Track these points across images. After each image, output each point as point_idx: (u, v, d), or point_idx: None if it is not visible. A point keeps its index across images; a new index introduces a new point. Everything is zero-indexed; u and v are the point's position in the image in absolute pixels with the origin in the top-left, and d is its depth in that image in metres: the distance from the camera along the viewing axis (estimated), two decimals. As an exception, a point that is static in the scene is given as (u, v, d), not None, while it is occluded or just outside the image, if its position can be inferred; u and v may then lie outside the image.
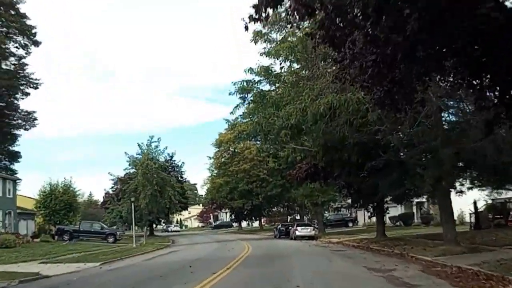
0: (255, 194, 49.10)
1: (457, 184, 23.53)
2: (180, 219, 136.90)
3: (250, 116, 24.15)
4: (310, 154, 26.35)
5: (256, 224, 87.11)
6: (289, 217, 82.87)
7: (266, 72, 23.58)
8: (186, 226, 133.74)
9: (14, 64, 53.39)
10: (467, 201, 32.81)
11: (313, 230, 45.65)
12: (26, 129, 57.47)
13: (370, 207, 35.41)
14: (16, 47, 52.81)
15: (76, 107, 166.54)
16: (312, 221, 59.11)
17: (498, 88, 9.92)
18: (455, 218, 26.32)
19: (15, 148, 68.93)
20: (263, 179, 47.32)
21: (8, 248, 34.86)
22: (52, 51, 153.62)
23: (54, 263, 25.30)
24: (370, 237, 36.86)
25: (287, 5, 9.12)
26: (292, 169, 32.95)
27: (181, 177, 78.95)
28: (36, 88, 53.45)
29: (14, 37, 52.53)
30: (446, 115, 21.47)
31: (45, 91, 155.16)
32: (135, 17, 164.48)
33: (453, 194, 22.90)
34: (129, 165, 42.64)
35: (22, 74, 52.16)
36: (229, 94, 24.11)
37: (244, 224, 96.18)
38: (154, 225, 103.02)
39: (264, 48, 23.97)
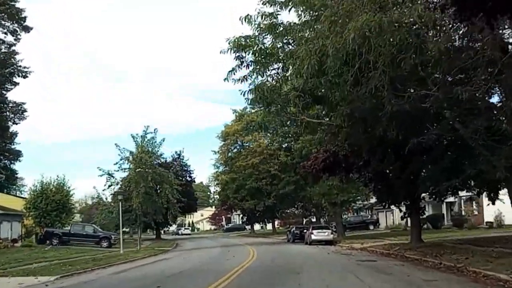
0: (265, 192, 42.49)
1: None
2: (192, 222, 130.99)
3: (252, 78, 17.67)
4: (330, 131, 19.74)
5: (270, 226, 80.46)
6: (304, 220, 76.14)
7: (270, 20, 17.02)
8: (198, 229, 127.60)
9: (4, 53, 47.85)
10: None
11: (331, 233, 39.10)
12: (15, 123, 51.98)
13: (401, 205, 28.60)
14: (5, 33, 47.27)
15: (76, 107, 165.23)
16: (330, 223, 52.62)
17: None
18: None
19: (16, 147, 64.69)
20: (274, 175, 40.82)
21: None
22: (52, 51, 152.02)
23: (-3, 277, 19.29)
24: (400, 242, 30.35)
25: None
26: (307, 160, 26.48)
27: (190, 177, 72.95)
28: (25, 77, 47.82)
29: (2, 22, 47.01)
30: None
31: (45, 91, 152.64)
32: (135, 17, 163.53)
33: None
34: (121, 159, 36.77)
35: (9, 62, 46.54)
36: (220, 52, 17.75)
37: (257, 227, 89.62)
38: (163, 228, 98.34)
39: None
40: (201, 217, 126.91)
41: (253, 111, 42.93)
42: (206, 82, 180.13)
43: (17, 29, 48.08)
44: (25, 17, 47.53)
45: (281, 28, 17.14)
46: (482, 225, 46.42)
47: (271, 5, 17.57)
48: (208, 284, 13.29)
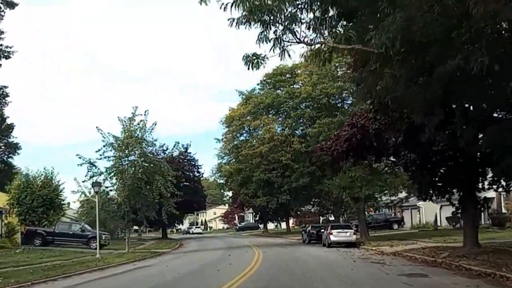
0: (275, 185, 35.64)
1: None
2: (205, 220, 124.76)
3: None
4: (366, 73, 12.44)
5: (284, 225, 73.74)
6: (320, 218, 69.21)
7: None
8: (210, 228, 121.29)
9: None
10: None
11: (354, 234, 32.28)
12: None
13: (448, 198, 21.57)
14: (-15, 9, 41.45)
15: (76, 107, 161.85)
16: (350, 222, 45.74)
17: None
18: None
19: (14, 140, 59.50)
20: (286, 165, 34.09)
21: None
22: (52, 51, 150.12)
23: None
24: (445, 246, 23.64)
25: None
26: (327, 140, 19.80)
27: (198, 172, 66.60)
28: (7, 58, 41.93)
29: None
30: None
31: (45, 91, 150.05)
32: (135, 17, 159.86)
33: None
34: (104, 146, 30.40)
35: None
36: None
37: (271, 226, 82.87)
38: (172, 227, 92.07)
39: None
40: (214, 216, 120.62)
41: (261, 92, 36.43)
42: (206, 82, 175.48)
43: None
44: (8, -9, 41.65)
45: None
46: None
47: None
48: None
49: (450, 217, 46.94)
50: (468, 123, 13.98)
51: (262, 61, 9.40)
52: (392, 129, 16.64)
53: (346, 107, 33.04)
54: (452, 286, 11.94)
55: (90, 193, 31.82)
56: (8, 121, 57.10)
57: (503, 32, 8.45)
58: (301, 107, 34.13)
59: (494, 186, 19.00)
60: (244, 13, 9.35)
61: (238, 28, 9.86)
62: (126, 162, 31.02)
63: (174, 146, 52.33)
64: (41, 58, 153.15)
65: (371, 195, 33.42)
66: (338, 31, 9.73)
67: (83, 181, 30.44)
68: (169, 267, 21.71)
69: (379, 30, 8.36)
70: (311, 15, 9.66)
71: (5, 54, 42.03)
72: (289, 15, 9.23)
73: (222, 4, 9.79)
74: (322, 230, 36.80)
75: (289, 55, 9.45)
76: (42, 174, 43.48)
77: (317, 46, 9.65)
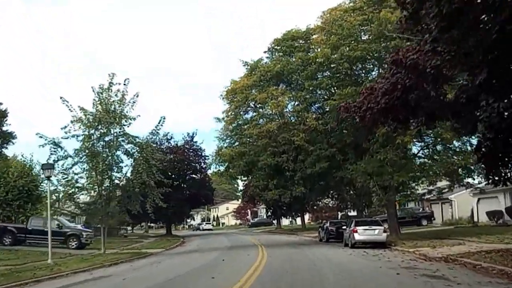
0: (286, 172, 28.58)
1: None
2: (217, 216, 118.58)
3: None
4: None
5: (299, 221, 66.84)
6: (339, 213, 62.19)
7: None
8: (223, 224, 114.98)
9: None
10: None
11: (384, 232, 25.54)
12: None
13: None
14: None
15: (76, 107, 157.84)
16: (372, 217, 38.87)
17: None
18: None
19: (8, 129, 54.09)
20: (298, 148, 27.11)
21: None
22: (52, 51, 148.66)
23: None
24: (506, 247, 17.14)
25: None
26: (361, 94, 13.08)
27: (205, 163, 60.18)
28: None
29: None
30: None
31: (45, 91, 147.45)
32: (135, 17, 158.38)
33: None
34: (72, 122, 23.89)
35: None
36: None
37: (286, 221, 76.13)
38: (181, 223, 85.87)
39: None
40: (227, 211, 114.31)
41: (269, 62, 29.76)
42: (206, 82, 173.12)
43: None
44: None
45: None
46: None
47: None
48: None
49: (491, 212, 39.95)
50: None
51: None
52: (467, 63, 9.94)
53: (374, 75, 26.23)
54: None
55: (58, 181, 25.51)
56: (2, 108, 51.72)
57: None
58: (317, 77, 27.28)
59: None
60: None
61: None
62: (101, 143, 24.63)
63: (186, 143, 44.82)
64: (41, 58, 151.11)
65: (405, 183, 26.50)
66: None
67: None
68: (130, 278, 15.29)
69: None
70: None
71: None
72: None
73: None
74: (344, 227, 30.13)
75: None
76: (18, 162, 37.68)
77: None
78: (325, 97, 27.91)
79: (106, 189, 25.19)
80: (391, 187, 26.37)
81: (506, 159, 12.45)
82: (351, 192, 36.38)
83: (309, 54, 27.64)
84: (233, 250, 27.72)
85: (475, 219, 42.94)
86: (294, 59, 27.64)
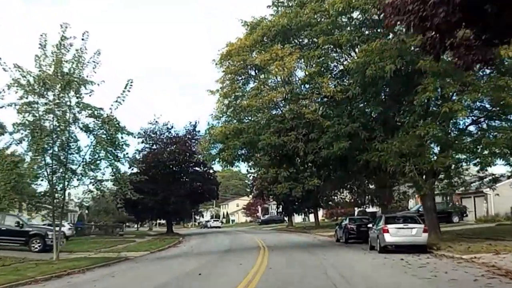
0: (294, 154, 21.59)
1: None
2: (227, 213, 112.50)
3: None
4: None
5: (312, 218, 60.01)
6: (356, 209, 55.43)
7: None
8: (233, 221, 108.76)
9: None
10: None
11: (424, 231, 19.04)
12: None
13: None
14: None
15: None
16: (389, 211, 32.21)
17: None
18: None
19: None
20: (310, 124, 20.47)
21: None
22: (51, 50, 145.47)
23: None
24: None
25: None
26: None
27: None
28: None
29: None
30: None
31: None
32: (135, 17, 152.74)
33: None
34: (8, 86, 17.51)
35: None
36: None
37: (298, 218, 69.39)
38: (184, 220, 79.25)
39: None
40: (237, 208, 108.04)
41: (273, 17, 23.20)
42: (206, 82, 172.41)
43: None
44: None
45: None
46: None
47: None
48: None
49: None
50: None
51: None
52: None
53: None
54: None
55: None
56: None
57: None
58: (334, 33, 20.70)
59: None
60: None
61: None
62: (51, 116, 18.42)
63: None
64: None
65: (450, 168, 19.83)
66: None
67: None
68: None
69: None
70: None
71: None
72: None
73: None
74: (367, 225, 23.67)
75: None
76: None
77: None
78: (346, 55, 21.36)
79: (60, 178, 18.94)
80: (435, 172, 19.73)
81: None
82: (373, 182, 29.67)
83: (323, 4, 21.05)
84: (226, 255, 21.45)
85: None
86: (305, 11, 21.05)
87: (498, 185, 37.01)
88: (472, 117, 20.39)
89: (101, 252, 26.99)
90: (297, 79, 22.15)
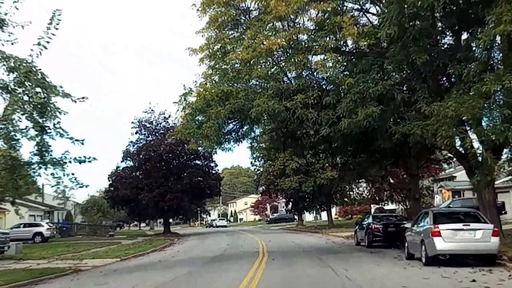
0: (301, 127, 15.68)
1: None
2: (235, 211, 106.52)
3: None
4: None
5: (325, 216, 53.47)
6: (373, 206, 48.89)
7: None
8: (241, 220, 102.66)
9: None
10: None
11: (493, 234, 12.60)
12: None
13: None
14: None
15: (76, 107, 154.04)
16: (404, 209, 25.76)
17: None
18: None
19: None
20: (324, 83, 14.54)
21: None
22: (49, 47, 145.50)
23: None
24: None
25: None
26: None
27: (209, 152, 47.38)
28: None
29: None
30: None
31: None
32: (135, 17, 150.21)
33: None
34: None
35: None
36: None
37: (309, 217, 62.81)
38: (185, 219, 73.13)
39: None
40: (245, 206, 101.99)
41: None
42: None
43: None
44: None
45: None
46: None
47: None
48: None
49: None
50: None
51: None
52: None
53: None
54: None
55: None
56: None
57: None
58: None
59: None
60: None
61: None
62: None
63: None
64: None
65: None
66: None
67: None
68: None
69: None
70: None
71: None
72: None
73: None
74: (403, 225, 17.49)
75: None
76: None
77: None
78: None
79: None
80: (497, 149, 13.47)
81: None
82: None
83: None
84: (210, 266, 15.42)
85: None
86: None
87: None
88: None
89: (57, 260, 21.15)
90: (305, 21, 15.83)
